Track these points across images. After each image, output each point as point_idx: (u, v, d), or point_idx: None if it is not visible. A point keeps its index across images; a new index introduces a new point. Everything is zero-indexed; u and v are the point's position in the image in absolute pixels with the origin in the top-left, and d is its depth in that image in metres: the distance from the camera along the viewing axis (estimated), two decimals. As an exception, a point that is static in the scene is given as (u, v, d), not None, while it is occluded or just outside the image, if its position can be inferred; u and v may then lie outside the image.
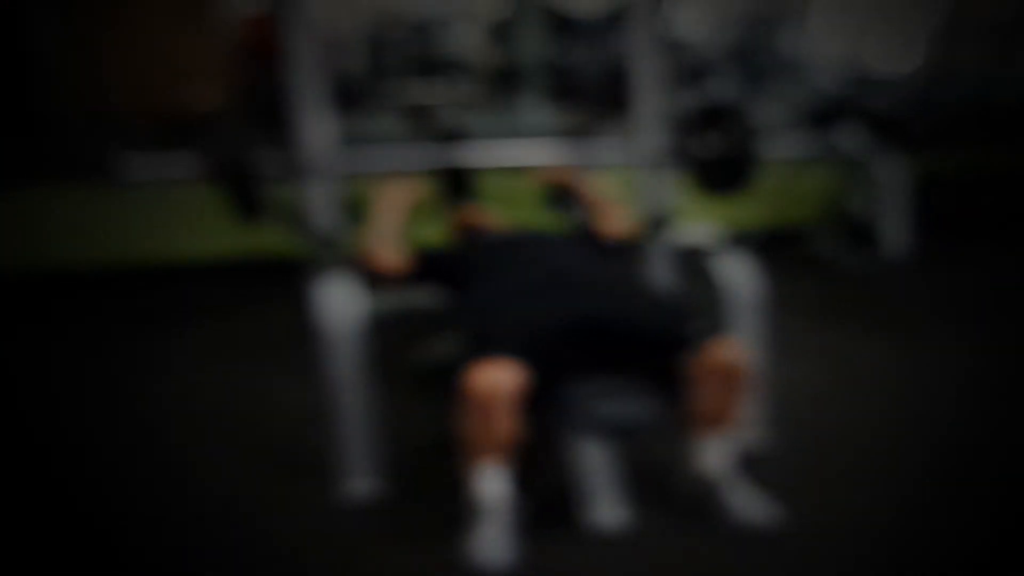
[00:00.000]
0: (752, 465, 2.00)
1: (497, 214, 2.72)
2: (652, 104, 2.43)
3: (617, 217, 2.37)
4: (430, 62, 4.69)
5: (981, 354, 2.93)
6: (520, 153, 2.53)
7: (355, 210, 2.47)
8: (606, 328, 1.84)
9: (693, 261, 2.31)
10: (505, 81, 4.58)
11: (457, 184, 3.02)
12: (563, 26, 4.65)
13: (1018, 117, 4.70)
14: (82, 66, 4.14)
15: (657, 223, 2.43)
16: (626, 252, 2.38)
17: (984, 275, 4.02)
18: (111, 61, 4.16)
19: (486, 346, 1.74)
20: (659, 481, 1.99)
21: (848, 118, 3.79)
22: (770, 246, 2.87)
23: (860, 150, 3.75)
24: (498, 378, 1.66)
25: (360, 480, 1.99)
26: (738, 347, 1.83)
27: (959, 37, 5.41)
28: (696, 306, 2.06)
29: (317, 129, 2.18)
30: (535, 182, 2.56)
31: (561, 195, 2.92)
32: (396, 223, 2.25)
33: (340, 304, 1.93)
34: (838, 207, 4.05)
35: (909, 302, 3.64)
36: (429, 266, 2.20)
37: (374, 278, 2.16)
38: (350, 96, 4.35)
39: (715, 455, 1.86)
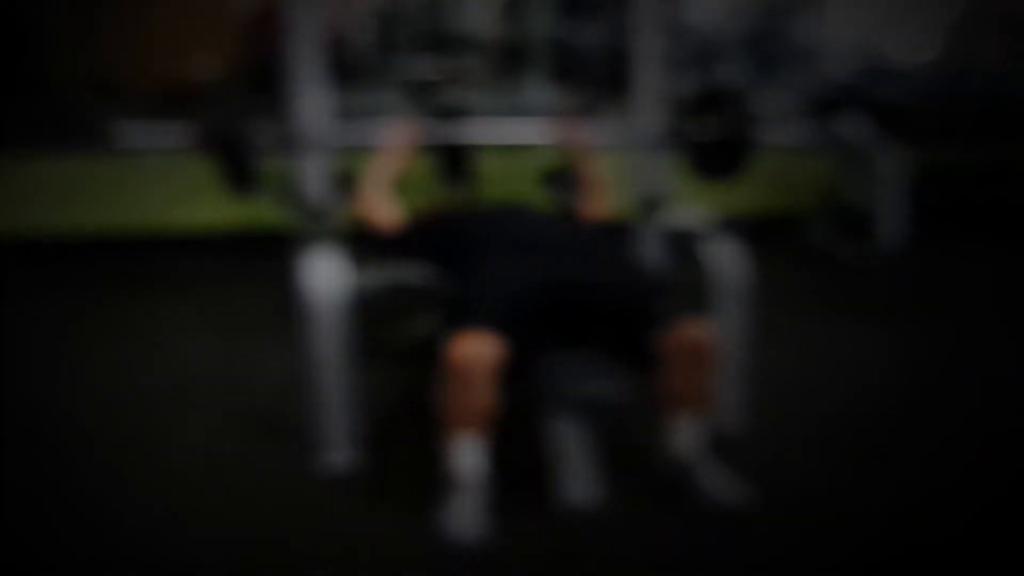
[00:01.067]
0: (726, 447, 2.01)
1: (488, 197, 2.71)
2: (652, 86, 2.43)
3: (603, 199, 2.36)
4: (440, 38, 4.68)
5: (964, 346, 2.94)
6: (517, 132, 2.53)
7: (346, 184, 2.48)
8: (580, 300, 1.86)
9: (683, 243, 2.31)
10: (510, 59, 4.56)
11: (454, 161, 3.03)
12: (573, 4, 4.61)
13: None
14: (81, 34, 4.15)
15: (650, 205, 2.43)
16: (606, 233, 2.38)
17: (978, 269, 4.01)
18: (110, 29, 4.16)
19: (466, 317, 1.76)
20: (631, 460, 2.01)
21: (852, 107, 3.76)
22: (766, 233, 2.86)
23: (861, 140, 3.71)
24: (478, 350, 1.68)
25: (338, 452, 2.01)
26: (707, 327, 1.83)
27: (976, 31, 5.33)
28: (676, 286, 2.06)
29: (313, 102, 2.19)
30: (554, 139, 2.50)
31: (558, 176, 2.93)
32: (388, 183, 2.25)
33: (325, 277, 1.94)
34: (836, 196, 4.03)
35: (900, 294, 3.63)
36: (417, 230, 2.20)
37: (368, 237, 2.16)
38: (355, 70, 4.34)
39: (687, 436, 1.87)
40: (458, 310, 1.82)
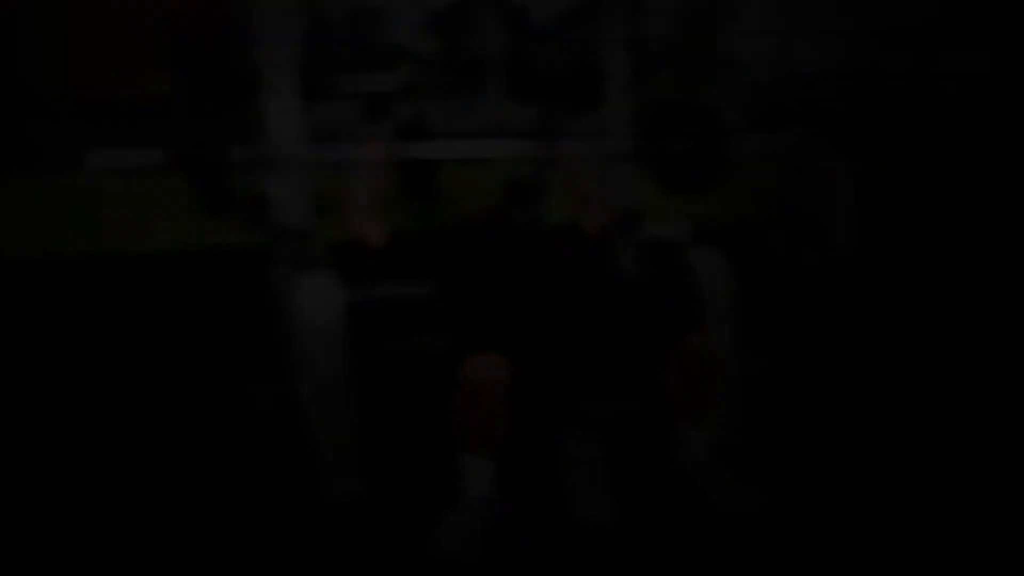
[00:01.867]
0: (727, 454, 2.05)
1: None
2: (624, 100, 2.46)
3: (599, 214, 2.37)
4: (375, 51, 4.58)
5: (946, 344, 3.14)
6: (484, 148, 2.51)
7: (322, 203, 2.40)
8: (590, 318, 1.87)
9: (662, 255, 2.34)
10: (463, 72, 4.52)
11: (418, 179, 2.97)
12: (518, 16, 4.61)
13: (953, 119, 4.92)
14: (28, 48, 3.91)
15: (631, 218, 2.46)
16: (605, 247, 2.40)
17: (939, 267, 4.22)
18: (55, 43, 3.93)
19: (477, 338, 1.74)
20: (641, 473, 2.03)
21: (794, 117, 3.91)
22: (722, 242, 2.94)
23: (807, 148, 3.87)
24: (490, 371, 1.67)
25: (337, 479, 1.95)
26: (715, 339, 1.87)
27: (885, 36, 5.61)
28: (672, 299, 2.10)
29: (286, 119, 2.12)
30: (567, 188, 2.47)
31: (524, 189, 2.92)
32: (373, 203, 2.20)
33: (316, 299, 1.88)
34: (787, 204, 4.18)
35: (862, 296, 3.81)
36: (408, 247, 2.16)
37: (359, 255, 2.10)
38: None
39: (696, 445, 1.91)
40: (468, 331, 1.80)
